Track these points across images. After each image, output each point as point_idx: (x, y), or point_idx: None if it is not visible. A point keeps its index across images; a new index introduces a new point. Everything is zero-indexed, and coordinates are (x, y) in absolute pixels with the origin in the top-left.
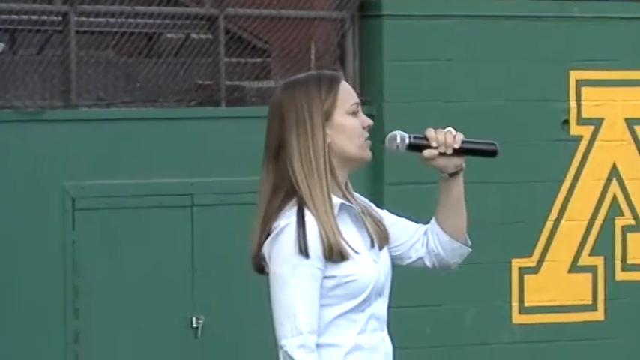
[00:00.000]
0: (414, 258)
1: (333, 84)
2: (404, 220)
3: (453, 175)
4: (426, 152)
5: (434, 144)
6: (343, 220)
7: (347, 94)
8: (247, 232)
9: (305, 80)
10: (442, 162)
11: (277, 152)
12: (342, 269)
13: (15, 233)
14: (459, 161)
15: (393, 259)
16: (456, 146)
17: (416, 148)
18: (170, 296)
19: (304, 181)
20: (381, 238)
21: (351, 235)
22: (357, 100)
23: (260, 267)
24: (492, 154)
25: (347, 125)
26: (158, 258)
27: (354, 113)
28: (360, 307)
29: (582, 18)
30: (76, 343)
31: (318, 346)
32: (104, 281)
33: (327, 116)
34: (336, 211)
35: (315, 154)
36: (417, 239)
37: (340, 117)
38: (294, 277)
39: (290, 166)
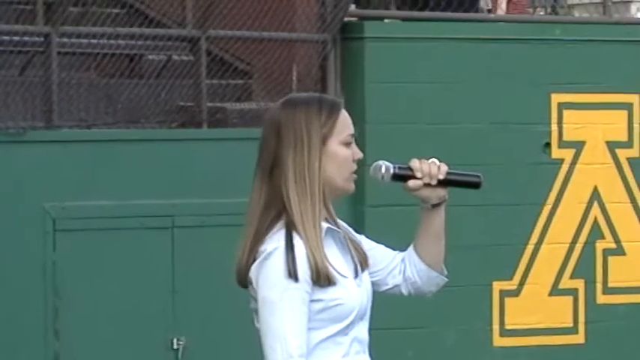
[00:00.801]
0: (390, 285)
1: (333, 110)
2: (382, 246)
3: (436, 205)
4: (411, 183)
5: (418, 174)
6: (329, 245)
7: (345, 123)
8: (228, 253)
9: (306, 101)
10: (426, 192)
11: (271, 170)
12: (329, 293)
13: None
14: (442, 192)
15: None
16: (441, 177)
17: (400, 178)
18: (151, 318)
19: (297, 203)
20: (361, 261)
21: (336, 259)
22: (352, 131)
23: (244, 283)
24: (476, 185)
25: (339, 154)
26: (139, 279)
27: (348, 144)
28: (344, 331)
29: (564, 41)
30: None
31: None
32: (85, 302)
33: (323, 141)
34: (323, 235)
35: (311, 176)
36: (395, 266)
37: (334, 145)
38: (283, 301)
39: (284, 186)
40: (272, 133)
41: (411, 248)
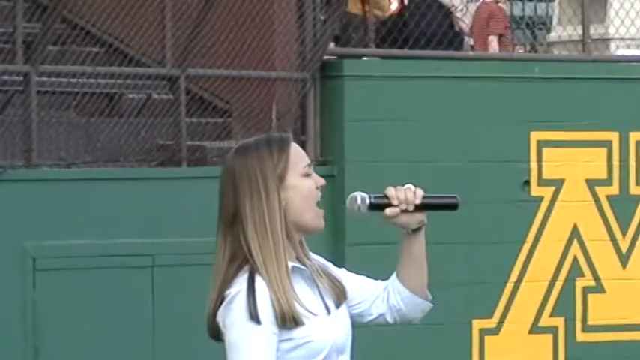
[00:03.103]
0: (375, 315)
1: (283, 147)
2: (363, 277)
3: (416, 231)
4: (388, 211)
5: (395, 202)
6: (297, 282)
7: (298, 156)
8: (208, 292)
9: (255, 145)
10: (404, 219)
11: (232, 220)
12: (297, 332)
13: None
14: (420, 217)
15: (353, 317)
16: (417, 202)
17: (377, 207)
18: (131, 357)
19: (257, 248)
20: (338, 296)
21: (305, 296)
22: (307, 161)
23: (215, 334)
24: (453, 207)
25: (301, 187)
26: (119, 318)
27: (307, 175)
28: None
29: (543, 79)
30: None
31: None
32: (65, 341)
33: (281, 180)
34: (288, 274)
35: (271, 219)
36: (377, 295)
37: (293, 179)
38: (247, 343)
39: (243, 235)
40: (228, 184)
41: (394, 276)
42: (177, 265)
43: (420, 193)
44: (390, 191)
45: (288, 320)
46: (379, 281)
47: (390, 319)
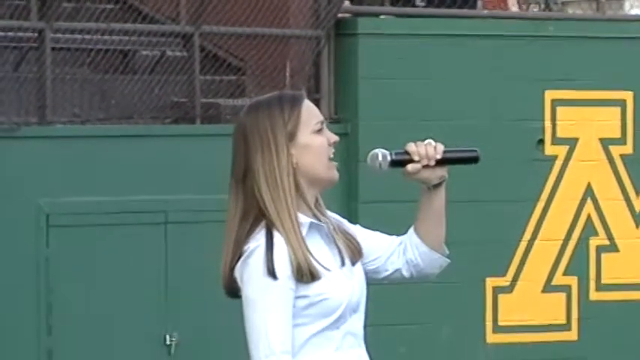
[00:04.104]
0: (390, 270)
1: (295, 104)
2: (377, 233)
3: (436, 186)
4: (410, 167)
5: (416, 158)
6: (313, 239)
7: (310, 113)
8: (221, 249)
9: (267, 102)
10: (425, 175)
11: (244, 176)
12: (313, 289)
13: None
14: (441, 172)
15: (369, 273)
16: (438, 157)
17: (398, 163)
18: (144, 313)
19: (271, 203)
20: (354, 253)
21: (321, 253)
22: (320, 118)
23: (232, 291)
24: (474, 160)
25: (313, 144)
26: (132, 275)
27: (320, 131)
28: (335, 325)
29: (558, 37)
30: None
31: None
32: (77, 298)
33: (292, 137)
34: (305, 230)
35: (281, 175)
36: (393, 251)
37: (305, 136)
38: (265, 299)
39: (257, 189)
40: (240, 140)
41: (411, 231)
42: (190, 222)
43: (440, 147)
44: (411, 147)
45: (305, 274)
46: (394, 237)
47: (406, 274)
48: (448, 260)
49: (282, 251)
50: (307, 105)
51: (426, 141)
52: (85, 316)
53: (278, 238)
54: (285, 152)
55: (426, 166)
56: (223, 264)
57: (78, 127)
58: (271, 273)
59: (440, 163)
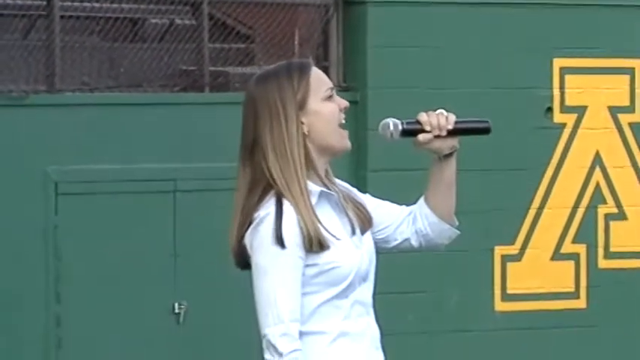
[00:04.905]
0: (399, 240)
1: (303, 72)
2: (387, 202)
3: (447, 156)
4: (421, 137)
5: (427, 127)
6: (323, 208)
7: (319, 80)
8: (230, 217)
9: (275, 72)
10: (437, 144)
11: (252, 147)
12: (323, 257)
13: None
14: (452, 142)
15: (378, 243)
16: (450, 127)
17: (410, 133)
18: (152, 282)
19: (280, 173)
20: (363, 222)
21: (331, 222)
22: (330, 84)
23: (241, 262)
24: (485, 131)
25: (323, 111)
26: (140, 243)
27: (330, 97)
28: (344, 294)
29: (566, 5)
30: (58, 328)
31: (303, 334)
32: (86, 266)
33: (302, 105)
34: (315, 199)
35: (290, 145)
36: (402, 221)
37: (315, 104)
38: (274, 267)
39: (264, 160)
40: (249, 111)
41: (421, 200)
42: (199, 190)
43: (452, 118)
44: (423, 116)
45: (314, 244)
46: (403, 206)
47: (415, 244)
48: (458, 231)
49: (292, 220)
50: (316, 72)
51: (438, 111)
52: (94, 284)
53: (287, 206)
54: (294, 122)
55: (437, 136)
56: (232, 232)
57: (87, 95)
58: (280, 241)
59: (451, 133)
